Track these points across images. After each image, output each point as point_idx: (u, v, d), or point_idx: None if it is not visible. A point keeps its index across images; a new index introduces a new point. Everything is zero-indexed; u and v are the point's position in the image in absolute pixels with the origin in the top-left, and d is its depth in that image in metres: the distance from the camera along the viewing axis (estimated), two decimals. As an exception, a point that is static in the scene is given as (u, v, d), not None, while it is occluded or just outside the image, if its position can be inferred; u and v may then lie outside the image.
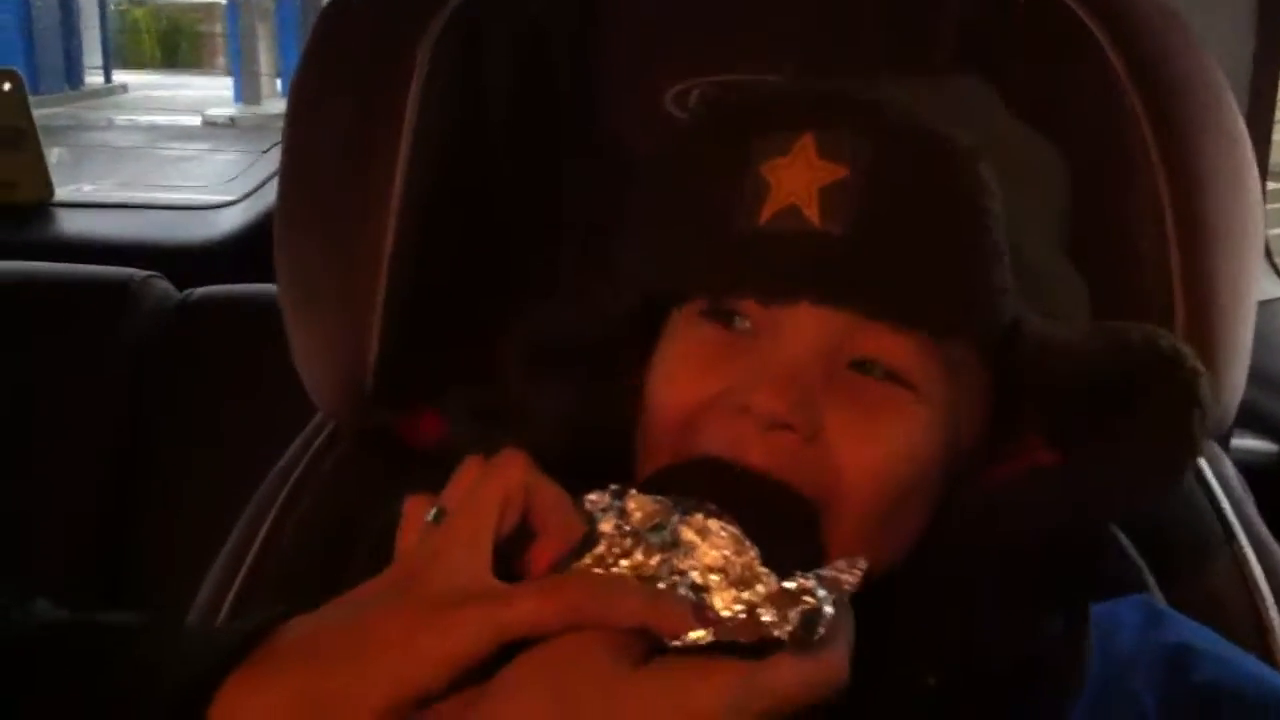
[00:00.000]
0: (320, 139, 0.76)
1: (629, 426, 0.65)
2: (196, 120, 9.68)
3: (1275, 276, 1.44)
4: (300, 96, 0.78)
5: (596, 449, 0.65)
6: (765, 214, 0.60)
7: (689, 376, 0.62)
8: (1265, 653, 0.72)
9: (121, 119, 10.10)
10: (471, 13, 0.76)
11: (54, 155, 1.77)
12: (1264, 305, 1.34)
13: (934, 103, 0.63)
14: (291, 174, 0.77)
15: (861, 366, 0.60)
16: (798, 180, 0.60)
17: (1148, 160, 0.69)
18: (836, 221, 0.59)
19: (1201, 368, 0.62)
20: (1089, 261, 0.68)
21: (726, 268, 0.62)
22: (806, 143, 0.60)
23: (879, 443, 0.59)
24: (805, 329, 0.60)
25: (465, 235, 0.77)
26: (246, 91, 10.68)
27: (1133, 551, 0.68)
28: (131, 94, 12.19)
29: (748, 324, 0.62)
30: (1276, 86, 1.27)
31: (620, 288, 0.68)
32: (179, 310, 1.35)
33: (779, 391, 0.58)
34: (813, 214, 0.59)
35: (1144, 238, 0.69)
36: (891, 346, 0.60)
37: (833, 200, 0.59)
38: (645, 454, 0.64)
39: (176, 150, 8.02)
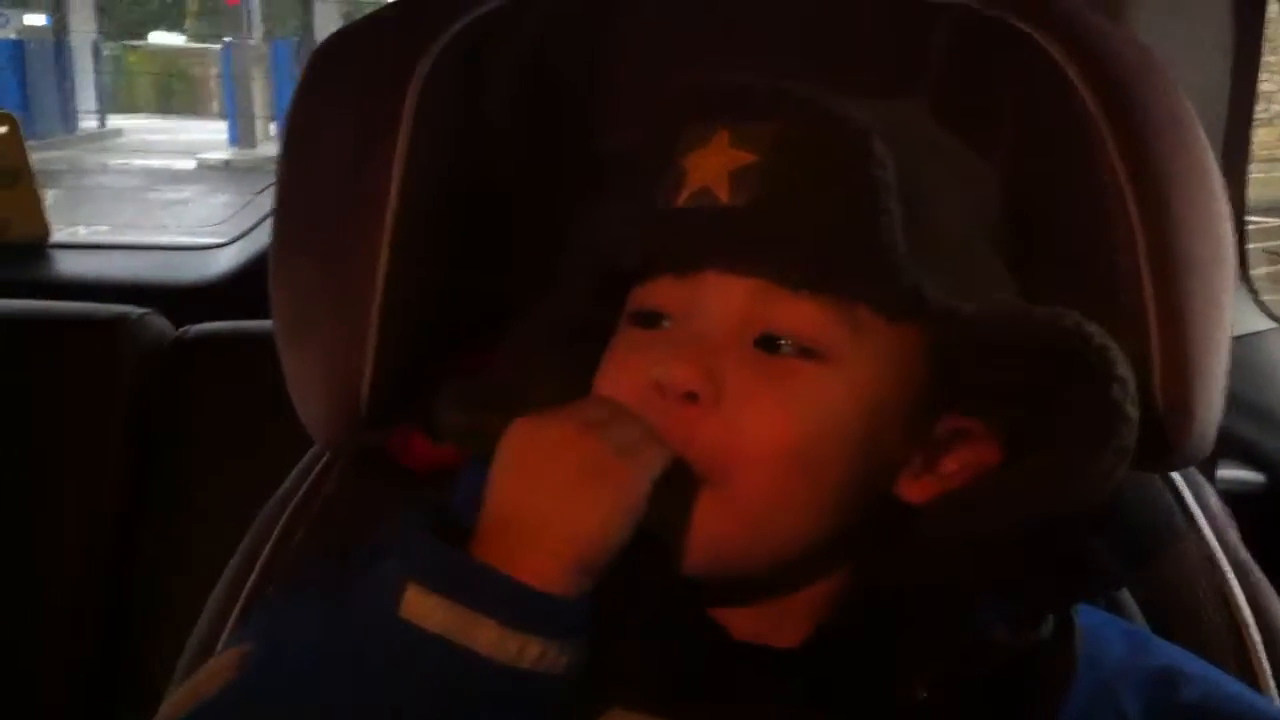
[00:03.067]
0: (313, 169, 0.77)
1: None
2: (191, 164, 9.72)
3: (1259, 311, 1.45)
4: (294, 128, 0.79)
5: None
6: (681, 197, 0.64)
7: (618, 374, 0.65)
8: (1246, 674, 0.73)
9: (116, 162, 10.14)
10: (469, 42, 0.78)
11: (49, 197, 1.79)
12: (1249, 339, 1.37)
13: (852, 99, 0.65)
14: (285, 205, 0.78)
15: (769, 344, 0.62)
16: (711, 167, 0.64)
17: (1118, 187, 0.70)
18: (741, 197, 0.62)
19: (1110, 342, 0.63)
20: (1064, 288, 0.69)
21: (646, 244, 0.66)
22: (722, 137, 0.64)
23: (779, 408, 0.61)
24: (714, 302, 0.63)
25: (459, 258, 0.79)
26: (241, 135, 10.73)
27: (1111, 563, 0.68)
28: (126, 138, 12.24)
29: (668, 323, 0.64)
30: (1250, 123, 1.29)
31: (583, 277, 0.70)
32: (175, 347, 1.36)
33: (685, 362, 0.61)
34: (721, 193, 0.63)
35: (1113, 263, 0.70)
36: (796, 315, 0.62)
37: (739, 181, 0.63)
38: None
39: (171, 194, 8.05)
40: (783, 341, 0.62)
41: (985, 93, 0.75)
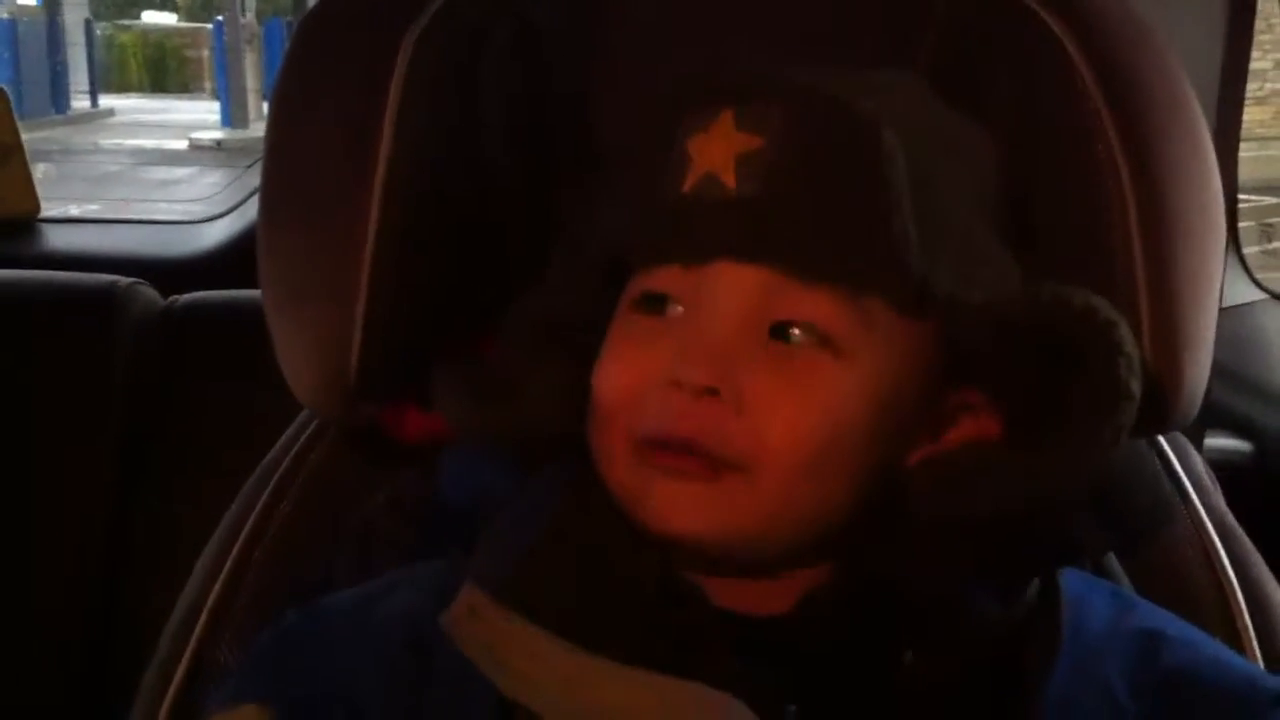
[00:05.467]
0: (303, 135, 0.77)
1: None
2: (183, 144, 9.69)
3: (1249, 282, 1.46)
4: (283, 94, 0.79)
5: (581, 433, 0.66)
6: (687, 184, 0.64)
7: (624, 363, 0.64)
8: (1231, 638, 0.73)
9: (108, 143, 10.10)
10: (460, 16, 0.78)
11: (39, 172, 1.78)
12: (1239, 309, 1.38)
13: (857, 84, 0.65)
14: (274, 172, 0.78)
15: (782, 334, 0.62)
16: (716, 151, 0.63)
17: (1112, 160, 0.70)
18: (750, 185, 0.62)
19: (1118, 316, 0.64)
20: (1056, 255, 0.70)
21: (652, 235, 0.65)
22: (725, 118, 0.63)
23: (799, 405, 0.61)
24: (725, 296, 0.62)
25: (451, 230, 0.78)
26: (234, 115, 10.70)
27: (1096, 527, 0.69)
28: (118, 118, 12.21)
29: (679, 309, 0.64)
30: (1243, 100, 1.29)
31: (587, 257, 0.70)
32: (164, 316, 1.36)
33: (704, 360, 0.61)
34: (729, 180, 0.62)
35: (1108, 233, 0.70)
36: (808, 305, 0.62)
37: (747, 167, 0.62)
38: (597, 440, 0.65)
39: (163, 174, 8.03)
40: (796, 330, 0.62)
41: (983, 66, 0.75)
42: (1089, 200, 0.71)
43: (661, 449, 0.61)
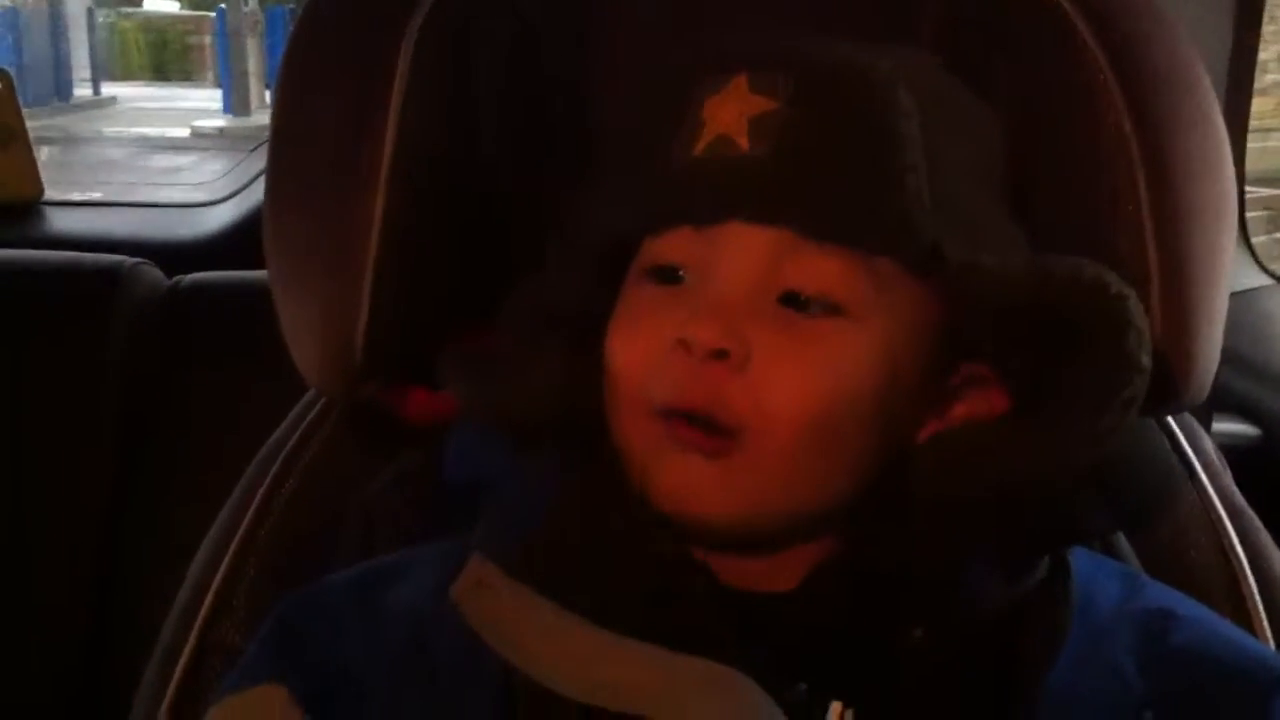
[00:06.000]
0: (309, 116, 0.77)
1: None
2: (185, 131, 9.67)
3: (1257, 268, 1.46)
4: (288, 73, 0.79)
5: (584, 415, 0.66)
6: (699, 146, 0.63)
7: (634, 331, 0.64)
8: (1239, 615, 0.73)
9: (111, 131, 10.09)
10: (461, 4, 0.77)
11: (43, 154, 1.78)
12: (1246, 295, 1.38)
13: (870, 51, 0.65)
14: (280, 149, 0.78)
15: (792, 301, 0.61)
16: (730, 113, 0.63)
17: (1122, 136, 0.70)
18: (763, 146, 0.62)
19: (1129, 290, 0.63)
20: (1060, 233, 0.69)
21: (663, 198, 0.64)
22: (739, 81, 0.63)
23: (807, 369, 0.61)
24: (736, 257, 0.62)
25: (456, 209, 0.78)
26: (235, 103, 10.68)
27: (1104, 506, 0.68)
28: (120, 106, 12.19)
29: (688, 278, 0.63)
30: (1253, 76, 1.28)
31: (585, 243, 0.69)
32: (170, 296, 1.36)
33: (713, 321, 0.60)
34: (742, 141, 0.62)
35: (1116, 211, 0.70)
36: (820, 269, 0.61)
37: (760, 128, 0.62)
38: (613, 414, 0.65)
39: (165, 161, 8.02)
40: (807, 299, 0.61)
41: (989, 43, 0.75)
42: (1094, 177, 0.70)
43: (674, 419, 0.61)
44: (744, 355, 0.60)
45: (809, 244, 0.61)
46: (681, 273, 0.63)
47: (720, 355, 0.60)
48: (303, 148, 0.77)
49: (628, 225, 0.66)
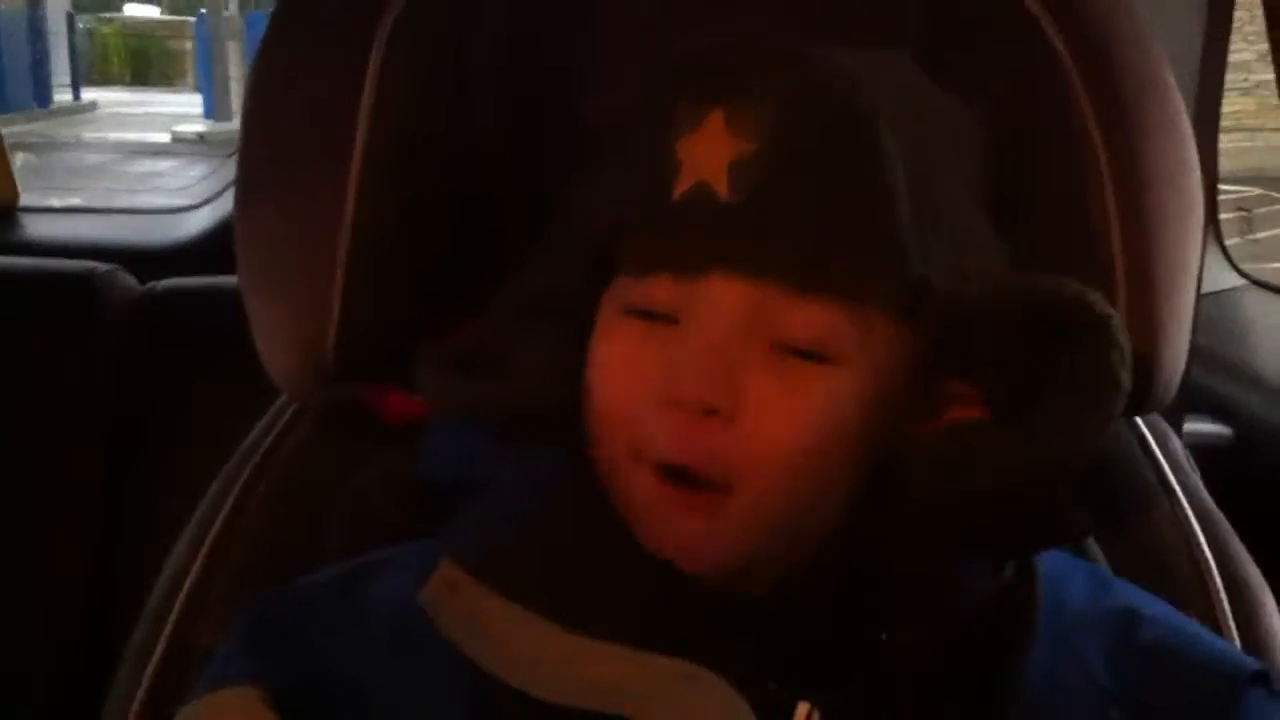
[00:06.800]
0: (280, 111, 0.76)
1: None
2: (166, 137, 9.64)
3: (1230, 269, 1.46)
4: (261, 70, 0.78)
5: (566, 412, 0.66)
6: (677, 191, 0.62)
7: (617, 371, 0.63)
8: (1206, 614, 0.73)
9: (91, 136, 10.05)
10: None
11: (19, 159, 1.77)
12: (1220, 295, 1.38)
13: (853, 68, 0.64)
14: (251, 156, 0.78)
15: (779, 349, 0.61)
16: (708, 157, 0.61)
17: (1089, 136, 0.71)
18: (743, 194, 0.60)
19: (1111, 310, 0.64)
20: (1035, 235, 0.70)
21: (643, 244, 0.63)
22: (715, 119, 0.61)
23: (797, 413, 0.60)
24: (720, 307, 0.61)
25: (431, 209, 0.78)
26: (217, 108, 10.65)
27: (1077, 512, 0.69)
28: (101, 111, 12.15)
29: (669, 314, 0.62)
30: (1221, 84, 1.29)
31: (574, 253, 0.69)
32: (143, 301, 1.35)
33: (701, 377, 0.60)
34: (721, 189, 0.61)
35: (1088, 211, 0.70)
36: (805, 318, 0.61)
37: (739, 174, 0.60)
38: (598, 441, 0.65)
39: (146, 166, 7.99)
40: (791, 345, 0.61)
41: (970, 47, 0.76)
42: (1069, 182, 0.71)
43: (665, 480, 0.61)
44: (734, 407, 0.60)
45: (793, 295, 0.60)
46: (664, 316, 0.63)
47: (710, 412, 0.60)
48: (274, 146, 0.77)
49: (617, 257, 0.65)
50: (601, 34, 0.82)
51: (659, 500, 0.61)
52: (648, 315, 0.63)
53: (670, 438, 0.60)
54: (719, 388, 0.60)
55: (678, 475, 0.60)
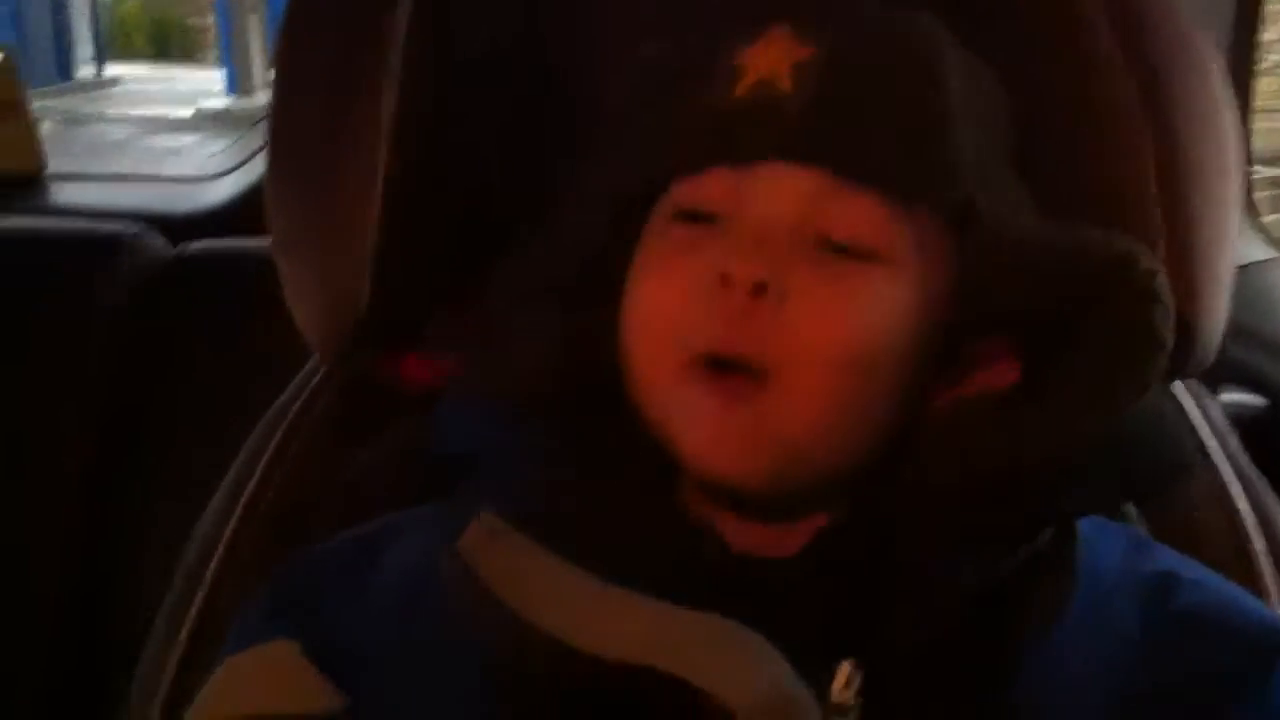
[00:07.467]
0: (309, 74, 0.77)
1: (613, 356, 0.66)
2: (189, 112, 9.65)
3: (1262, 242, 1.45)
4: (285, 48, 0.78)
5: (584, 379, 0.66)
6: (738, 89, 0.63)
7: (666, 273, 0.64)
8: (1247, 580, 0.72)
9: (114, 111, 10.07)
10: None
11: (46, 128, 1.78)
12: (1252, 267, 1.37)
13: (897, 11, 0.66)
14: (280, 128, 0.78)
15: (828, 245, 0.61)
16: (771, 59, 0.63)
17: (1129, 104, 0.70)
18: (806, 89, 0.62)
19: (1158, 265, 0.63)
20: (1064, 202, 0.69)
21: (701, 137, 0.64)
22: (780, 29, 0.63)
23: (843, 309, 0.61)
24: (775, 198, 0.62)
25: (461, 172, 0.78)
26: (239, 82, 10.65)
27: (1109, 473, 0.68)
28: (124, 86, 12.16)
29: (721, 219, 0.63)
30: (1254, 69, 1.28)
31: (594, 201, 0.69)
32: (174, 264, 1.35)
33: (754, 254, 0.60)
34: (784, 85, 0.62)
35: (1118, 174, 0.70)
36: (856, 214, 0.61)
37: (804, 73, 0.62)
38: (635, 370, 0.64)
39: (169, 141, 8.00)
40: (843, 244, 0.61)
41: (992, 9, 0.74)
42: (1098, 142, 0.70)
43: (713, 369, 0.61)
44: (781, 290, 0.60)
45: (847, 188, 0.61)
46: (714, 215, 0.63)
47: (760, 290, 0.60)
48: (303, 110, 0.77)
49: (655, 169, 0.66)
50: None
51: (701, 398, 0.61)
52: (695, 218, 0.63)
53: (718, 321, 0.60)
54: (766, 264, 0.60)
55: (721, 365, 0.60)
